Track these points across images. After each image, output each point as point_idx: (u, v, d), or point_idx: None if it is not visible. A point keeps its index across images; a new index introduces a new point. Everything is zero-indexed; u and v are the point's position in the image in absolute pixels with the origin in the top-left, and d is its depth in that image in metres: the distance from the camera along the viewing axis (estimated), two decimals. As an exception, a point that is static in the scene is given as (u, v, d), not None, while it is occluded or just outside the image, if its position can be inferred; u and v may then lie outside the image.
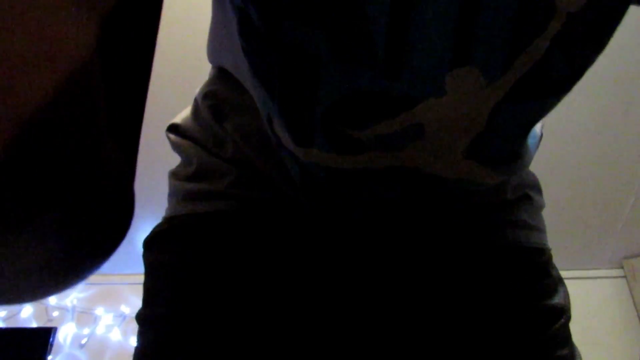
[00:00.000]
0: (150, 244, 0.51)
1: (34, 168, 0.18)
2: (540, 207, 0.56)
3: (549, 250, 0.53)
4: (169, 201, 0.53)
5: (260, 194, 0.48)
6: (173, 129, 0.56)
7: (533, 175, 0.56)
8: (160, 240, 0.50)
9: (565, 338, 0.48)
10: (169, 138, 0.56)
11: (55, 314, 2.27)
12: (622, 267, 2.60)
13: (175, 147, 0.55)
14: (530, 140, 0.44)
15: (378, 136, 0.37)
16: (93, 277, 2.99)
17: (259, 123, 0.46)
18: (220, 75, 0.52)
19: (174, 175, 0.54)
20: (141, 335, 0.47)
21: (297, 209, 0.47)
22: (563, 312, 0.49)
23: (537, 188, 0.56)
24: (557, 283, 0.51)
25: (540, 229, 0.54)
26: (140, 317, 0.48)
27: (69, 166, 0.19)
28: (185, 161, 0.53)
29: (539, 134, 0.52)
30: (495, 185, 0.49)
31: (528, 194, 0.54)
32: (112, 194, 0.24)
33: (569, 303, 0.50)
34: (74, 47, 0.19)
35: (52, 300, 2.25)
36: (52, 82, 0.18)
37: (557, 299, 0.49)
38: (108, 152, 0.22)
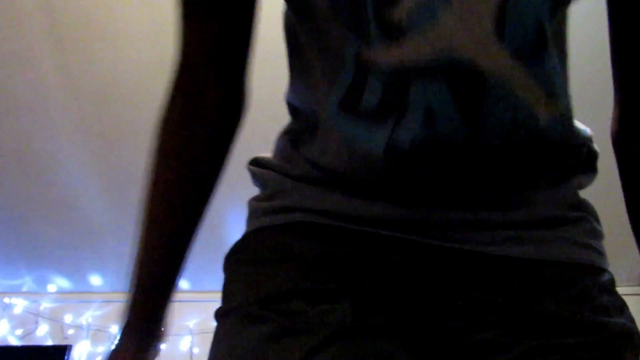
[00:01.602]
0: (230, 255, 0.55)
1: None
2: (601, 235, 0.57)
3: (612, 275, 0.55)
4: (247, 223, 0.56)
5: (333, 206, 0.51)
6: (254, 162, 0.60)
7: (592, 206, 0.59)
8: (240, 250, 0.54)
9: None
10: (249, 170, 0.59)
11: (71, 332, 2.26)
12: (640, 284, 2.59)
13: (254, 177, 0.59)
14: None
15: (410, 9, 0.41)
16: (108, 295, 2.98)
17: (332, 145, 0.50)
18: (293, 112, 0.58)
19: (252, 199, 0.57)
20: (220, 326, 0.51)
21: (369, 216, 0.50)
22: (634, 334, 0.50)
23: (596, 217, 0.58)
24: (623, 304, 0.52)
25: (602, 254, 0.55)
26: (219, 313, 0.51)
27: None
28: (263, 187, 0.57)
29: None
30: (551, 194, 0.53)
31: (588, 219, 0.56)
32: None
33: (636, 327, 0.51)
34: None
35: (68, 318, 2.26)
36: None
37: (624, 319, 0.50)
38: None
